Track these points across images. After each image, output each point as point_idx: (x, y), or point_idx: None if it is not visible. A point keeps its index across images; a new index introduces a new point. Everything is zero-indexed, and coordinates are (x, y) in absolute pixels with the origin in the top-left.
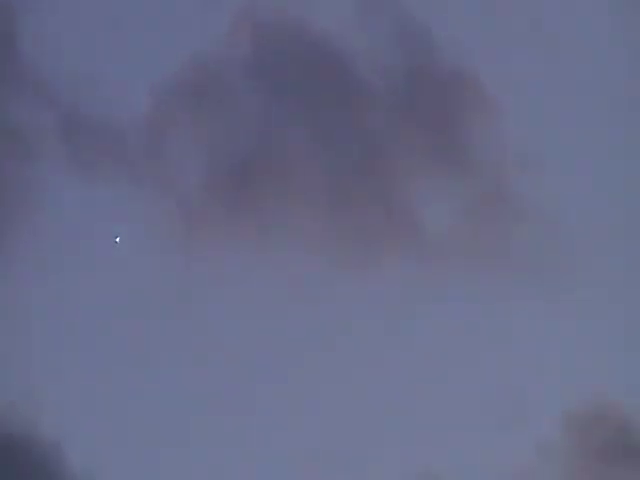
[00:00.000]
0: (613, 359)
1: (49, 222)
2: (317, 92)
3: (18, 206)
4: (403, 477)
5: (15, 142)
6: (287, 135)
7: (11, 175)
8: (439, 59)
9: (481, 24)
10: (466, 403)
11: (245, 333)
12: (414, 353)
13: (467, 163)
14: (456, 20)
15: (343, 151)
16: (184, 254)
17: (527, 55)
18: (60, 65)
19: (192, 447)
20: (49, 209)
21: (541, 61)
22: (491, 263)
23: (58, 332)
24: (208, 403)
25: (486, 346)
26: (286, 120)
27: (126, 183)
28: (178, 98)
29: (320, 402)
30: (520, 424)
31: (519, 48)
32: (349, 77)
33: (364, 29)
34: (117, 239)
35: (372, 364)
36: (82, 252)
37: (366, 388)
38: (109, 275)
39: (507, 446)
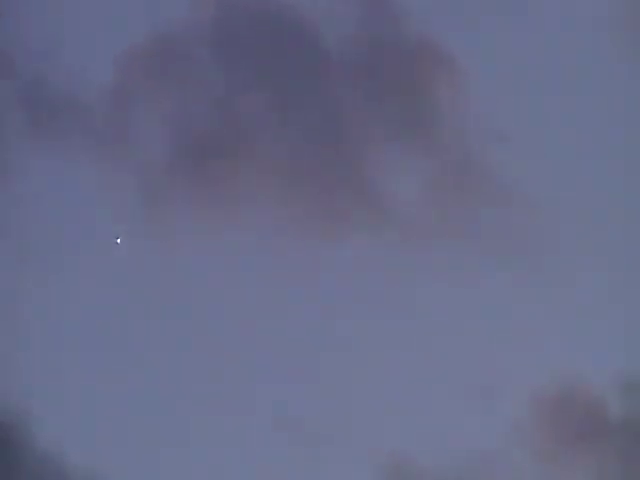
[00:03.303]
0: (584, 338)
1: (9, 195)
2: (280, 61)
3: None
4: (372, 458)
5: None
6: (252, 108)
7: None
8: (404, 26)
9: None
10: (436, 383)
11: (215, 308)
12: (382, 331)
13: (434, 134)
14: None
15: (309, 124)
16: (148, 227)
17: (496, 22)
18: (21, 35)
19: (175, 427)
20: (9, 180)
21: (510, 29)
22: (459, 237)
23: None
24: (190, 378)
25: (454, 324)
26: (251, 93)
27: (88, 154)
28: (141, 68)
29: (289, 379)
30: (490, 404)
31: (487, 15)
32: (312, 45)
33: None
34: (118, 240)
35: (340, 341)
36: (42, 221)
37: (335, 365)
38: (73, 250)
39: (477, 427)
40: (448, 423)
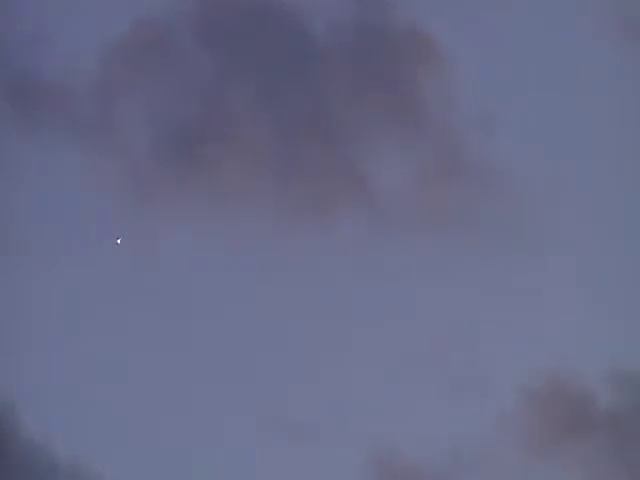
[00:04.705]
0: (572, 331)
1: None
2: (268, 51)
3: None
4: (364, 448)
5: None
6: (238, 96)
7: None
8: (392, 14)
9: None
10: (426, 374)
11: (201, 299)
12: (369, 323)
13: (422, 122)
14: None
15: (295, 111)
16: (135, 219)
17: (483, 11)
18: (8, 27)
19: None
20: None
21: (496, 19)
22: (448, 224)
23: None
24: (176, 373)
25: (443, 315)
26: (237, 80)
27: (74, 143)
28: (127, 58)
29: (278, 371)
30: (480, 395)
31: (474, 4)
32: (299, 33)
33: None
34: (118, 240)
35: (327, 334)
36: (31, 212)
37: (324, 355)
38: (58, 241)
39: (467, 417)
40: (437, 416)
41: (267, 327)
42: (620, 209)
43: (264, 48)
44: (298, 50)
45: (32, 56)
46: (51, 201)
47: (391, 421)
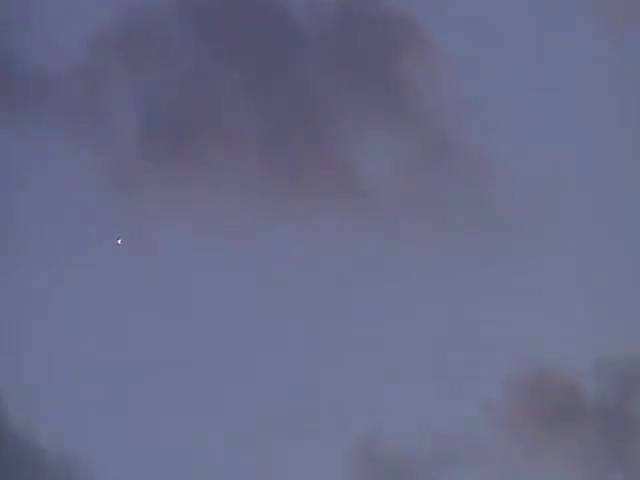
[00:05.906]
0: (558, 321)
1: None
2: (251, 38)
3: None
4: (350, 439)
5: None
6: (223, 84)
7: None
8: (377, 3)
9: None
10: (412, 364)
11: (187, 293)
12: (355, 314)
13: (407, 110)
14: None
15: (280, 100)
16: (121, 208)
17: (475, 4)
18: None
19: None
20: None
21: (490, 11)
22: (434, 216)
23: None
24: (165, 366)
25: (428, 306)
26: (221, 68)
27: (58, 133)
28: (111, 48)
29: (266, 362)
30: (466, 386)
31: None
32: (283, 22)
33: None
34: (119, 241)
35: (314, 320)
36: (14, 204)
37: (310, 347)
38: (43, 235)
39: (453, 408)
40: (426, 404)
41: (266, 326)
42: (620, 209)
43: (250, 39)
44: (283, 40)
45: (16, 44)
46: (40, 194)
47: (376, 410)
